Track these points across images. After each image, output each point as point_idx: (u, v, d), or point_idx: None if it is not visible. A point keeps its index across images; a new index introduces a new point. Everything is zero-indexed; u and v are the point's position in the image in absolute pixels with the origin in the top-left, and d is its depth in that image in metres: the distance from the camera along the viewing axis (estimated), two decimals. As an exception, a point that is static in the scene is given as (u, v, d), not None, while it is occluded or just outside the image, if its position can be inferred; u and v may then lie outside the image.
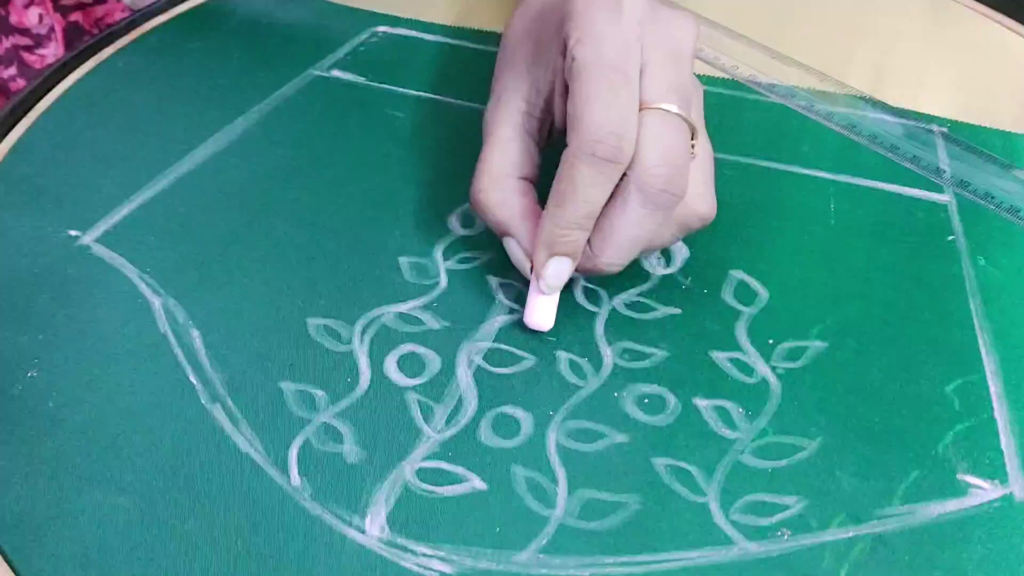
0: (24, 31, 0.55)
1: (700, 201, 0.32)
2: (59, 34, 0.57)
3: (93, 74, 0.44)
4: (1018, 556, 0.27)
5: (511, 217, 0.32)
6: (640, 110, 0.29)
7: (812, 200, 0.38)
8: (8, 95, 0.55)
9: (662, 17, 0.31)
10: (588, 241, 0.31)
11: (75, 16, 0.57)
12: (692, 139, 0.31)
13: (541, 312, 0.32)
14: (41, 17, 0.55)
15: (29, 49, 0.56)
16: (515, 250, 0.32)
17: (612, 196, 0.30)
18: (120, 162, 0.39)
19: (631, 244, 0.30)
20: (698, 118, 0.32)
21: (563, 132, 0.31)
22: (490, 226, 0.33)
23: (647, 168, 0.29)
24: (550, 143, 0.34)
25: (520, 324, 0.32)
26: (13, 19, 0.55)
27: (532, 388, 0.30)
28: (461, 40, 0.47)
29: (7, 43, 0.55)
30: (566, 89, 0.31)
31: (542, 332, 0.32)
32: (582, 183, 0.29)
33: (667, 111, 0.30)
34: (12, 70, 0.55)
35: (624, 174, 0.29)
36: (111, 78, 0.44)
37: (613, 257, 0.31)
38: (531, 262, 0.31)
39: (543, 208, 0.31)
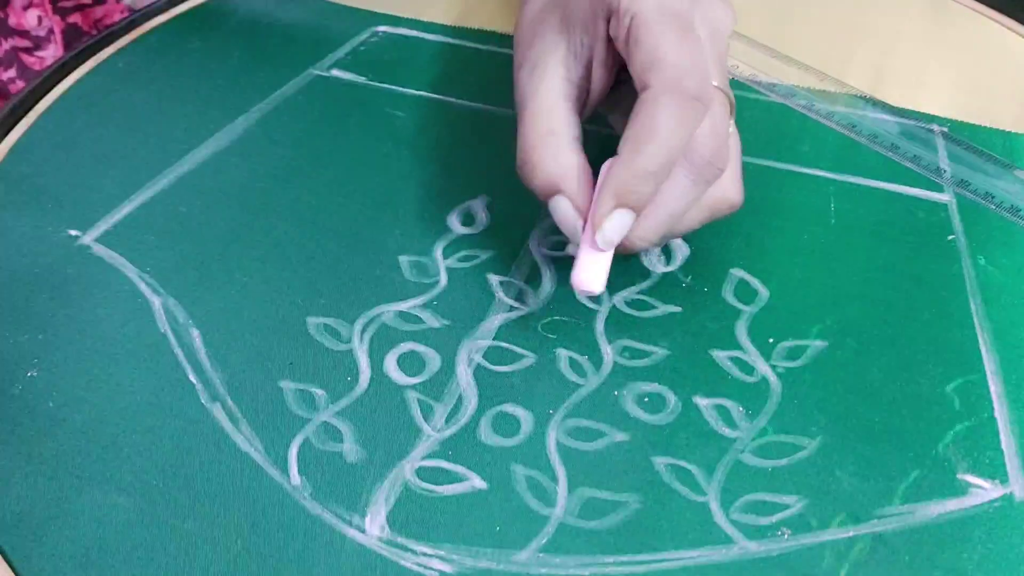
0: (23, 33, 0.55)
1: (732, 186, 0.31)
2: (58, 36, 0.57)
3: (93, 74, 0.44)
4: (1018, 556, 0.26)
5: (563, 173, 0.30)
6: None
7: (812, 199, 0.38)
8: (8, 97, 0.55)
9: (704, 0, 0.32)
10: None
11: (74, 18, 0.57)
12: (729, 116, 0.31)
13: (591, 271, 0.29)
14: (40, 19, 0.55)
15: (28, 51, 0.56)
16: (565, 209, 0.30)
17: None
18: (120, 162, 0.39)
19: (668, 219, 0.30)
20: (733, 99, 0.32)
21: (597, 106, 0.31)
22: (536, 188, 0.31)
23: (698, 139, 0.28)
24: (584, 115, 0.33)
25: (520, 321, 0.32)
26: (12, 21, 0.55)
27: (532, 386, 0.30)
28: (461, 40, 0.47)
29: (6, 45, 0.55)
30: (609, 58, 0.31)
31: (589, 297, 0.31)
32: (667, 123, 0.27)
33: (714, 86, 0.29)
34: (12, 72, 0.55)
35: None
36: (111, 78, 0.44)
37: (646, 231, 0.30)
38: (583, 221, 0.30)
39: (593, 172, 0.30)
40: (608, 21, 0.31)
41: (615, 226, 0.29)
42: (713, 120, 0.29)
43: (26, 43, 0.56)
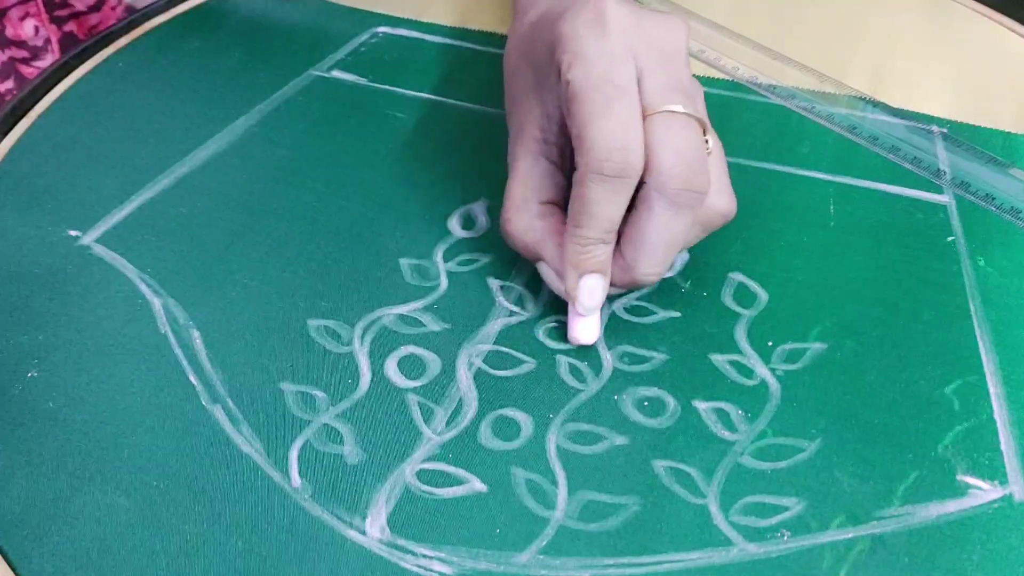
0: (20, 43, 0.55)
1: (720, 198, 0.32)
2: (55, 45, 0.57)
3: (93, 74, 0.44)
4: (1018, 557, 0.27)
5: (538, 242, 0.32)
6: (645, 117, 0.29)
7: (812, 202, 0.39)
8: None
9: (648, 23, 0.31)
10: (621, 254, 0.31)
11: (70, 26, 0.57)
12: (704, 135, 0.31)
13: (584, 330, 0.32)
14: (37, 29, 0.55)
15: (26, 61, 0.56)
16: (548, 273, 0.32)
17: (636, 205, 0.30)
18: (120, 162, 0.39)
19: (664, 250, 0.30)
20: (704, 115, 0.32)
21: None
22: (521, 254, 0.33)
23: (664, 171, 0.29)
24: (576, 165, 0.34)
25: (520, 326, 0.32)
26: (9, 32, 0.55)
27: (532, 391, 0.30)
28: (461, 41, 0.47)
29: (3, 56, 0.55)
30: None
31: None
32: (595, 202, 0.29)
33: (673, 111, 0.30)
34: (9, 83, 0.55)
35: (643, 181, 0.29)
36: (111, 78, 0.44)
37: (648, 266, 0.30)
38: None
39: None
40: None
41: (587, 293, 0.31)
42: (679, 146, 0.29)
43: (23, 54, 0.56)
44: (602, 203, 0.29)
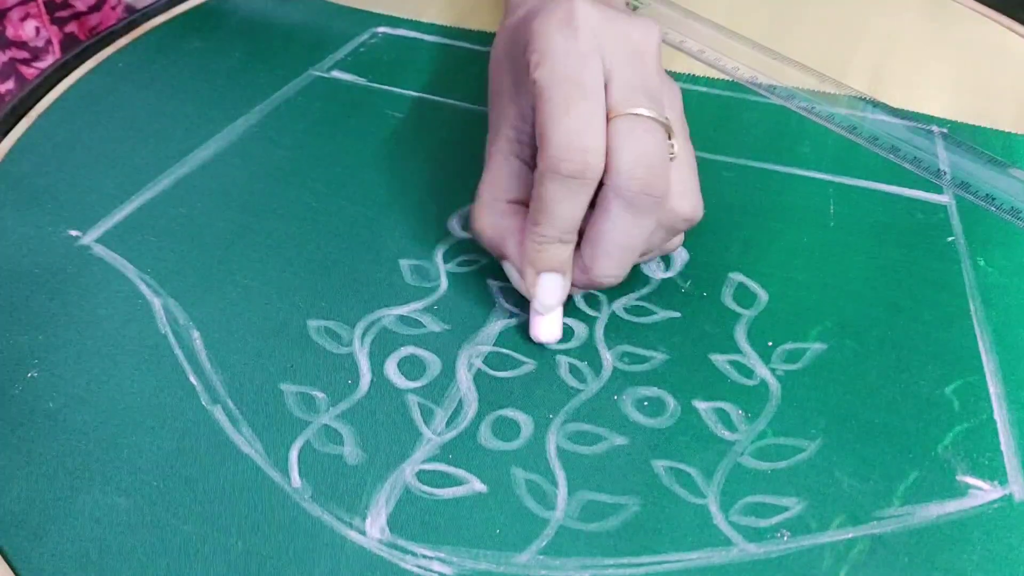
0: (21, 44, 0.55)
1: (682, 201, 0.31)
2: (56, 46, 0.57)
3: (93, 74, 0.44)
4: (1018, 557, 0.27)
5: (503, 239, 0.32)
6: (609, 119, 0.29)
7: (812, 202, 0.39)
8: (6, 108, 0.55)
9: (619, 25, 0.31)
10: (580, 255, 0.31)
11: (71, 27, 0.57)
12: (670, 138, 0.30)
13: (545, 328, 0.32)
14: (38, 30, 0.55)
15: (27, 62, 0.56)
16: (511, 271, 0.32)
17: (596, 206, 0.30)
18: (120, 162, 0.39)
19: (621, 252, 0.30)
20: (676, 118, 0.32)
21: None
22: (489, 251, 0.33)
23: (622, 173, 0.29)
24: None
25: (521, 328, 0.32)
26: (10, 32, 0.55)
27: (532, 391, 0.30)
28: (461, 41, 0.47)
29: (4, 57, 0.55)
30: None
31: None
32: (553, 200, 0.29)
33: (637, 115, 0.29)
34: (10, 84, 0.56)
35: (602, 183, 0.29)
36: (111, 78, 0.44)
37: (605, 268, 0.30)
38: None
39: None
40: None
41: (545, 291, 0.31)
42: (639, 150, 0.29)
43: (24, 54, 0.56)
44: (560, 202, 0.29)
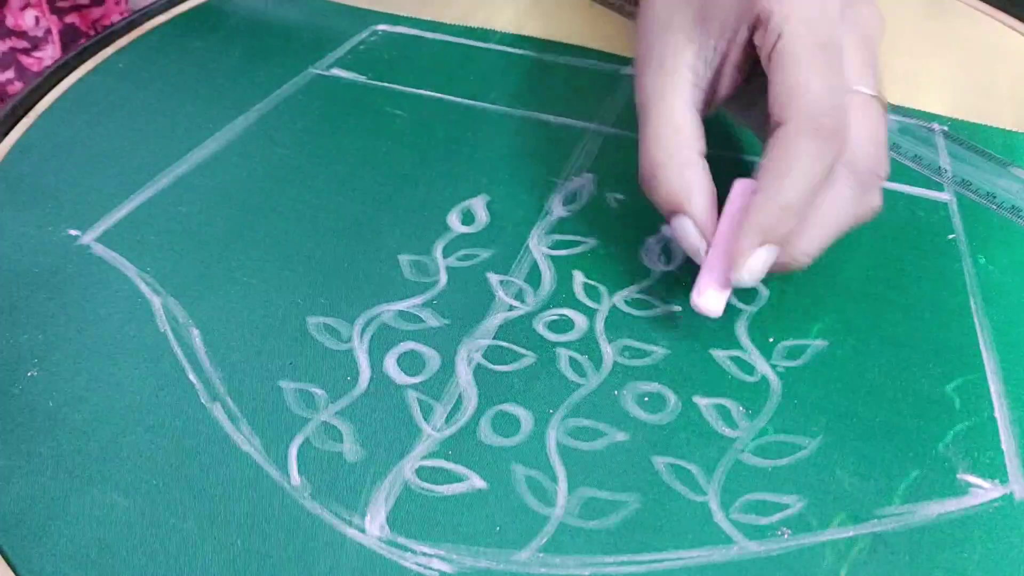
0: (21, 34, 0.55)
1: (879, 192, 0.31)
2: (56, 36, 0.57)
3: (93, 74, 0.44)
4: (1018, 556, 0.26)
5: (688, 193, 0.30)
6: None
7: (812, 199, 0.38)
8: (5, 98, 0.55)
9: (856, 3, 0.31)
10: None
11: (71, 18, 0.57)
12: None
13: (714, 298, 0.30)
14: (38, 19, 0.55)
15: (26, 52, 0.56)
16: (690, 231, 0.30)
17: None
18: (120, 162, 0.39)
19: (834, 231, 0.30)
20: None
21: (719, 107, 0.30)
22: (659, 204, 0.31)
23: (858, 149, 0.28)
24: (706, 114, 0.33)
25: (520, 320, 0.32)
26: (9, 22, 0.55)
27: (532, 386, 0.30)
28: (461, 38, 0.47)
29: (3, 46, 0.55)
30: (744, 64, 0.30)
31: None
32: (807, 160, 0.28)
33: (867, 93, 0.29)
34: (9, 73, 0.55)
35: None
36: (111, 78, 0.44)
37: (810, 245, 0.29)
38: (707, 245, 0.30)
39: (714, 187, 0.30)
40: (753, 29, 0.30)
41: (759, 263, 0.29)
42: (871, 127, 0.29)
43: (24, 44, 0.56)
44: (813, 164, 0.28)
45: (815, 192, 0.28)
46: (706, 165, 0.31)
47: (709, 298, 0.30)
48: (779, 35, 0.29)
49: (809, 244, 0.29)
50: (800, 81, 0.28)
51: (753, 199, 0.29)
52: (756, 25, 0.30)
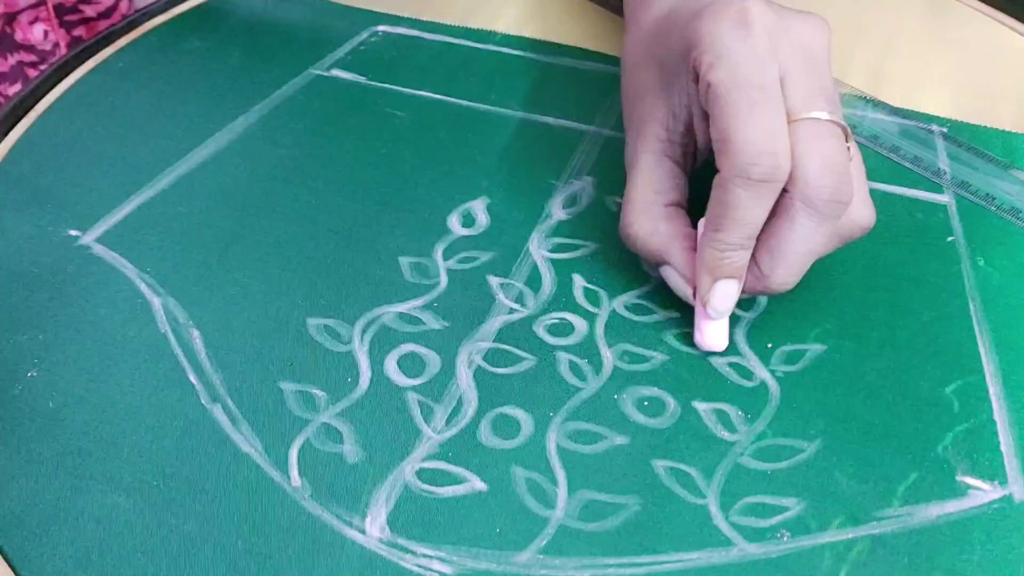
0: (29, 48, 0.55)
1: (860, 208, 0.31)
2: (63, 50, 0.57)
3: (93, 74, 0.44)
4: (1018, 557, 0.27)
5: (664, 245, 0.32)
6: (789, 123, 0.29)
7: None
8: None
9: (792, 24, 0.31)
10: (756, 261, 0.30)
11: (79, 31, 0.58)
12: (846, 141, 0.30)
13: (713, 335, 0.31)
14: (46, 33, 0.55)
15: (34, 66, 0.56)
16: (674, 277, 0.32)
17: (776, 213, 0.29)
18: (120, 162, 0.39)
19: (802, 260, 0.30)
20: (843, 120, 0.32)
21: (709, 154, 0.30)
22: (644, 257, 0.33)
23: (811, 180, 0.28)
24: (696, 166, 0.34)
25: (520, 323, 0.32)
26: (19, 36, 0.55)
27: (532, 389, 0.30)
28: (461, 39, 0.47)
29: (12, 60, 0.55)
30: (705, 114, 0.30)
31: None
32: (739, 206, 0.28)
33: (817, 119, 0.29)
34: (18, 86, 0.56)
35: (785, 189, 0.29)
36: (111, 78, 0.44)
37: (784, 276, 0.30)
38: (693, 288, 0.31)
39: (694, 230, 0.31)
40: (696, 81, 0.30)
41: (721, 298, 0.30)
42: (825, 153, 0.29)
43: (32, 57, 0.56)
44: (746, 208, 0.29)
45: (755, 230, 0.29)
46: (681, 213, 0.32)
47: (709, 335, 0.31)
48: (708, 84, 0.29)
49: (784, 275, 0.30)
50: (727, 128, 0.28)
51: (699, 243, 0.31)
52: (696, 78, 0.30)
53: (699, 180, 0.33)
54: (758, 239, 0.30)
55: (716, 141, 0.29)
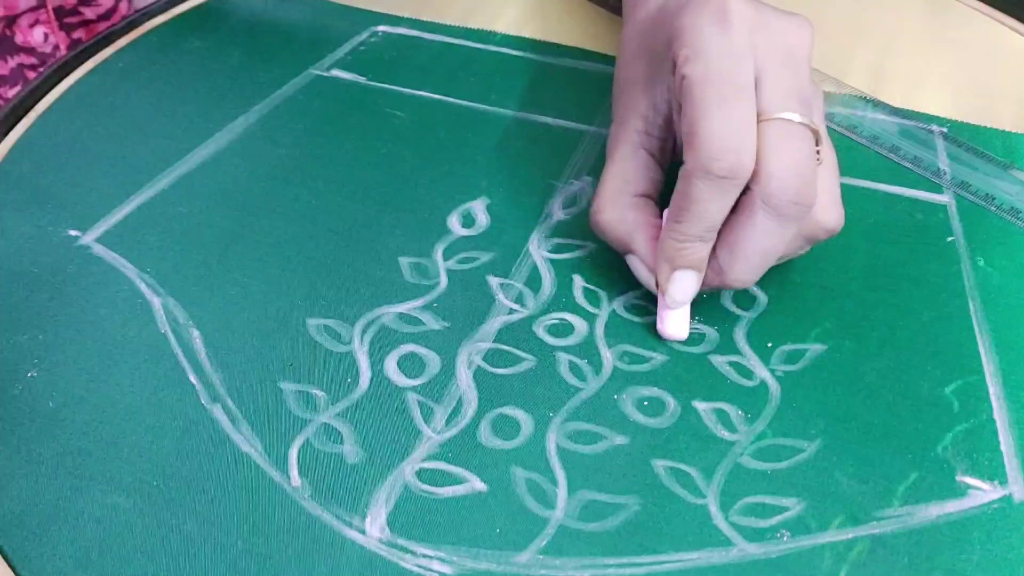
0: (29, 50, 0.55)
1: (826, 212, 0.31)
2: (63, 52, 0.57)
3: (93, 74, 0.44)
4: (1017, 557, 0.27)
5: (630, 233, 0.32)
6: (760, 121, 0.29)
7: (812, 201, 0.38)
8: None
9: (773, 23, 0.30)
10: (715, 256, 0.30)
11: (79, 33, 0.58)
12: (816, 145, 0.30)
13: (674, 324, 0.32)
14: (47, 36, 0.55)
15: (34, 68, 0.56)
16: (638, 266, 0.32)
17: (738, 209, 0.29)
18: (120, 162, 0.39)
19: (761, 258, 0.30)
20: (820, 123, 0.31)
21: None
22: (611, 245, 0.33)
23: (773, 181, 0.28)
24: (675, 160, 0.33)
25: (520, 324, 0.32)
26: (19, 39, 0.55)
27: (532, 389, 0.30)
28: (461, 39, 0.47)
29: (12, 62, 0.55)
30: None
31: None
32: (700, 199, 0.29)
33: (789, 120, 0.29)
34: (18, 89, 0.56)
35: (748, 187, 0.29)
36: (111, 78, 0.44)
37: (742, 273, 0.30)
38: (656, 277, 0.31)
39: (661, 221, 0.31)
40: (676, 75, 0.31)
41: (679, 288, 0.31)
42: (791, 157, 0.28)
43: (32, 60, 0.56)
44: (706, 202, 0.29)
45: (715, 224, 0.30)
46: (650, 204, 0.33)
47: (670, 324, 0.32)
48: (682, 77, 0.29)
49: (741, 272, 0.30)
50: (695, 121, 0.28)
51: (661, 233, 0.31)
52: (675, 70, 0.30)
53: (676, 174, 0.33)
54: (719, 234, 0.30)
55: (684, 134, 0.29)
